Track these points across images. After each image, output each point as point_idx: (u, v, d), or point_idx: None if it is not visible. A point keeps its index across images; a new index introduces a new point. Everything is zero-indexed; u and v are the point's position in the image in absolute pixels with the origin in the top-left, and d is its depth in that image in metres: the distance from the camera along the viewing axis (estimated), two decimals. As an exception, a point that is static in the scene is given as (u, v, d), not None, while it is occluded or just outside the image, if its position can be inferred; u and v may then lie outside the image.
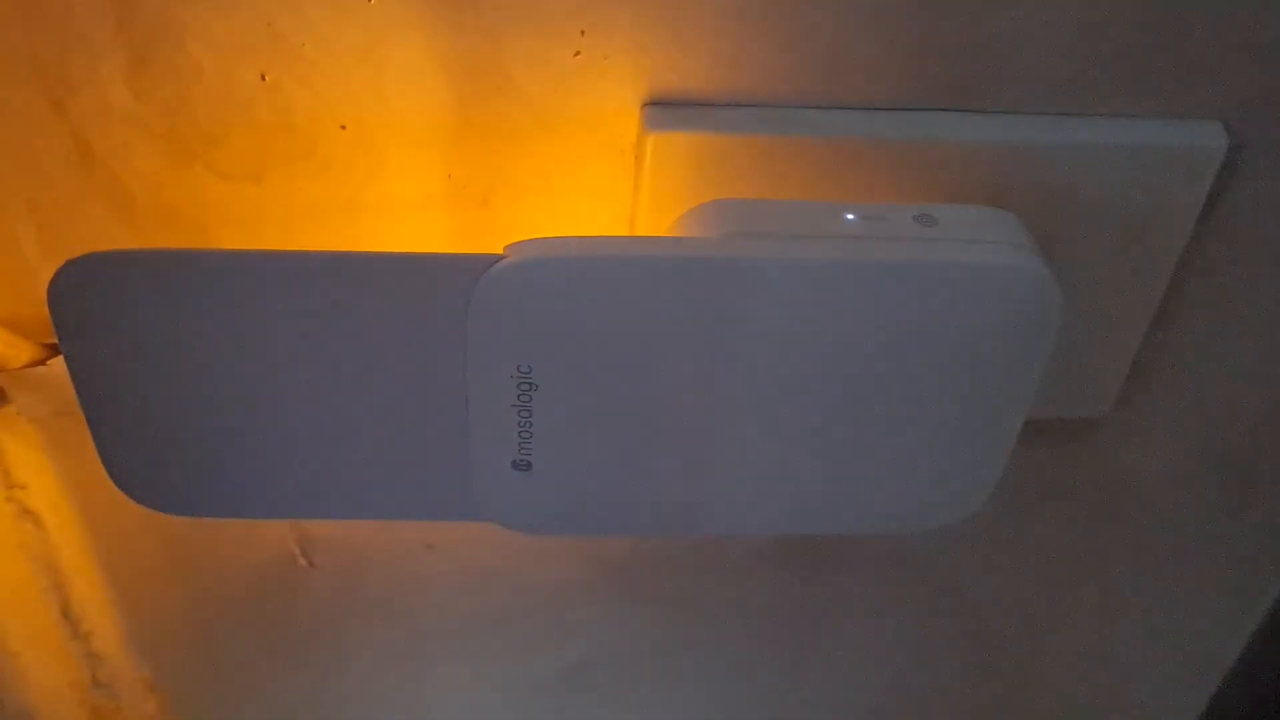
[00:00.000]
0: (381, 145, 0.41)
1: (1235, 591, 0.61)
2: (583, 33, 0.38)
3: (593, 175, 0.42)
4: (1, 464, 0.48)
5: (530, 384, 0.38)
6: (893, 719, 0.69)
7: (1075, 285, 0.45)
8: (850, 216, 0.37)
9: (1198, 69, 0.41)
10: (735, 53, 0.39)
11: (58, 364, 0.44)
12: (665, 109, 0.40)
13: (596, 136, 0.41)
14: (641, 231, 0.42)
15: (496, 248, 0.43)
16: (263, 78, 0.39)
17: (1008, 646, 0.65)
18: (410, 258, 0.36)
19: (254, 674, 0.63)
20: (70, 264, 0.35)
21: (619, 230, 0.43)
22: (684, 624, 0.62)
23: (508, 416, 0.38)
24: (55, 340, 0.43)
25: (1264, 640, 0.62)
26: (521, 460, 0.40)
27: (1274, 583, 0.59)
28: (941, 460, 0.41)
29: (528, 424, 0.39)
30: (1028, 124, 0.41)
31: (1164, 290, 0.45)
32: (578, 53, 0.39)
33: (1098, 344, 0.47)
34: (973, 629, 0.63)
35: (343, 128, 0.40)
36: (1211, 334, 0.48)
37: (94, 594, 0.55)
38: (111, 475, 0.40)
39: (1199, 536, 0.58)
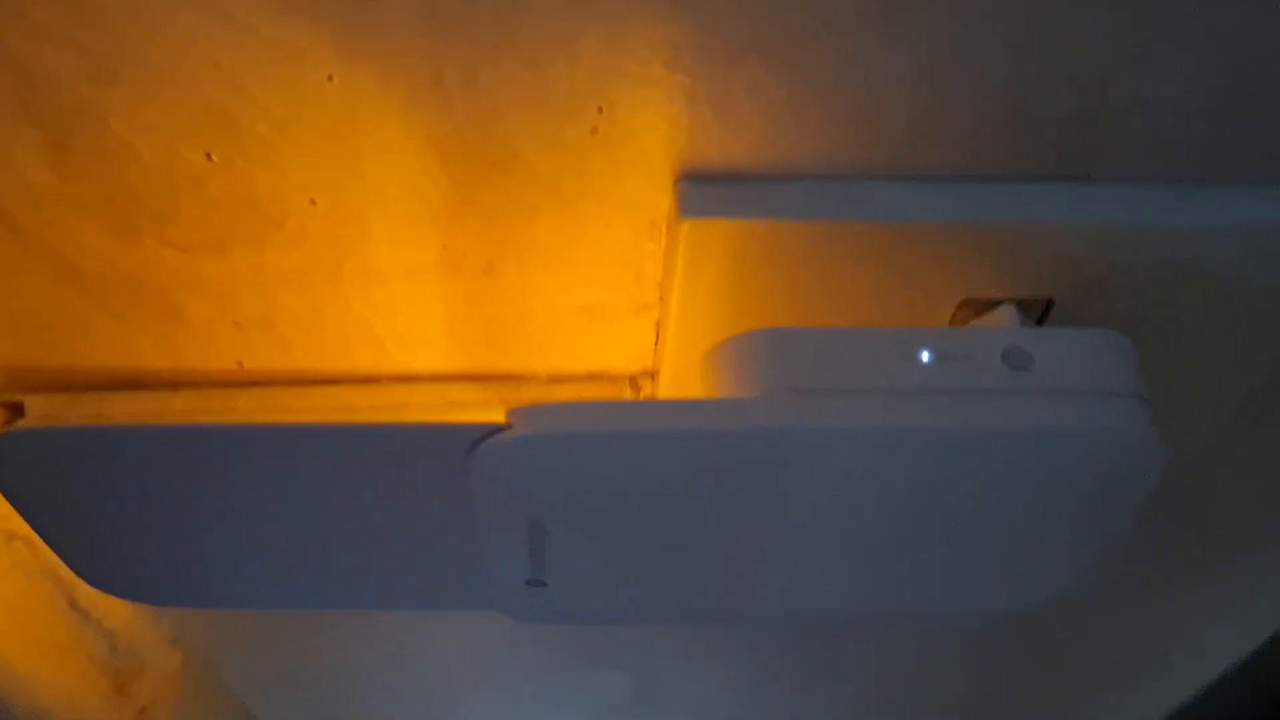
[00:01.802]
0: (363, 219, 0.34)
1: None
2: (600, 110, 0.31)
3: (617, 246, 0.35)
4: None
5: (541, 528, 0.33)
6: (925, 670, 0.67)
7: (1178, 349, 0.38)
8: (925, 356, 0.30)
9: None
10: (791, 127, 0.31)
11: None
12: (703, 186, 0.33)
13: (620, 210, 0.34)
14: (675, 308, 0.36)
15: (507, 312, 0.37)
16: (209, 156, 0.32)
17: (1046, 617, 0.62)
18: (403, 429, 0.30)
19: (271, 620, 0.61)
20: (3, 441, 0.30)
21: (648, 296, 0.37)
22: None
23: (519, 551, 0.34)
24: (15, 399, 0.39)
25: None
26: (535, 580, 0.35)
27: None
28: (1018, 569, 0.36)
29: (540, 555, 0.34)
30: (1145, 198, 0.33)
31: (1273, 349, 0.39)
32: (595, 130, 0.31)
33: (1200, 395, 0.41)
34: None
35: (313, 202, 0.33)
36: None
37: (101, 583, 0.53)
38: (82, 578, 0.36)
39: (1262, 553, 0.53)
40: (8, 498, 0.32)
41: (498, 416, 0.40)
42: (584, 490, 0.31)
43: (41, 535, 0.34)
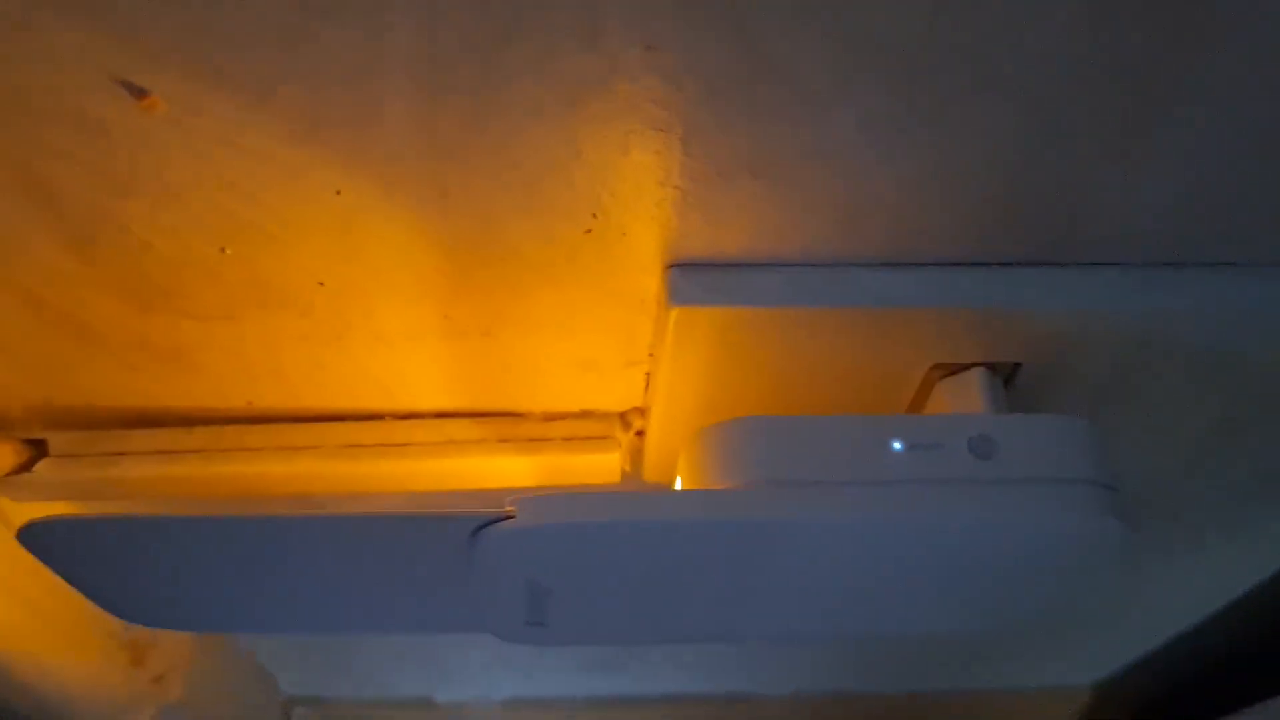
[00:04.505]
0: (367, 295, 0.36)
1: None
2: (594, 215, 0.32)
3: (609, 317, 0.37)
4: (3, 518, 0.47)
5: (541, 586, 0.35)
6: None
7: (1133, 412, 0.41)
8: (898, 445, 0.33)
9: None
10: (779, 226, 0.33)
11: (43, 467, 0.42)
12: (692, 275, 0.35)
13: (613, 291, 0.36)
14: (664, 372, 0.38)
15: (500, 375, 0.39)
16: (223, 250, 0.34)
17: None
18: (407, 519, 0.33)
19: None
20: (28, 527, 0.32)
21: (638, 353, 0.39)
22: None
23: (520, 602, 0.36)
24: (40, 437, 0.41)
25: None
26: (534, 621, 0.38)
27: None
28: (987, 613, 0.39)
29: (540, 605, 0.37)
30: (1110, 281, 0.35)
31: (1221, 405, 0.41)
32: (589, 230, 0.33)
33: (1151, 445, 0.44)
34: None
35: (321, 284, 0.35)
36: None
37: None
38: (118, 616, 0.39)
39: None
40: (49, 566, 0.34)
41: (494, 452, 0.43)
42: (581, 566, 0.34)
43: (80, 591, 0.36)
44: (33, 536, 0.33)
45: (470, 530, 0.32)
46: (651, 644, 0.44)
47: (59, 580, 0.53)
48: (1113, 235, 0.34)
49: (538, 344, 0.38)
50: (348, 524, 0.32)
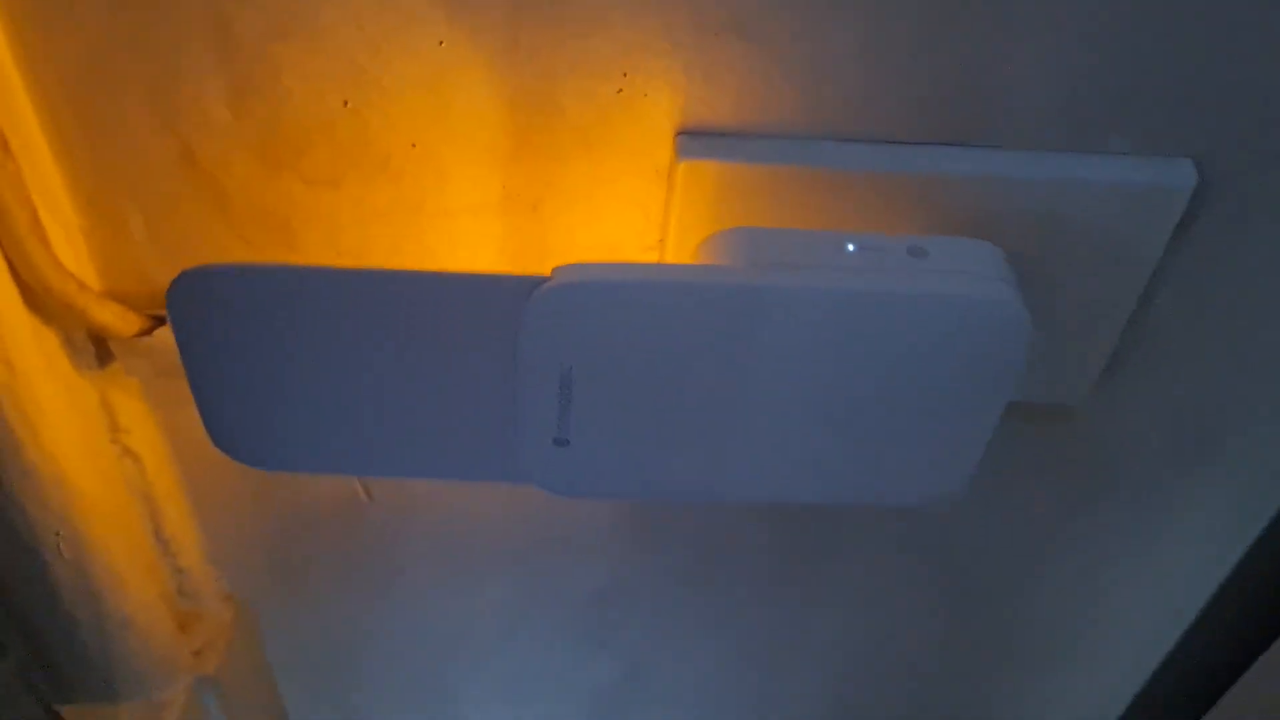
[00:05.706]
0: (447, 160, 0.47)
1: (1206, 540, 0.67)
2: (625, 74, 0.44)
3: (630, 190, 0.48)
4: (109, 412, 0.55)
5: (571, 379, 0.44)
6: (885, 648, 0.77)
7: (1055, 296, 0.50)
8: (851, 247, 0.43)
9: (1173, 110, 0.45)
10: (761, 92, 0.44)
11: (161, 333, 0.51)
12: (696, 138, 0.46)
13: (634, 158, 0.47)
14: (671, 244, 0.48)
15: (544, 249, 0.49)
16: (345, 103, 0.45)
17: (990, 590, 0.72)
18: (471, 277, 0.42)
19: (318, 586, 0.71)
20: (184, 275, 0.41)
21: (651, 238, 0.49)
22: (696, 559, 0.70)
23: (550, 404, 0.45)
24: (160, 313, 0.50)
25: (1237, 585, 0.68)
26: (561, 438, 0.46)
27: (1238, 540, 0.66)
28: (924, 449, 0.47)
29: (567, 410, 0.45)
30: (1018, 159, 0.46)
31: (1136, 301, 0.51)
32: (620, 90, 0.44)
33: (1075, 344, 0.53)
34: (957, 575, 0.70)
35: (414, 145, 0.46)
36: (1181, 335, 0.54)
37: (182, 519, 0.63)
38: (211, 436, 0.47)
39: (1165, 501, 0.64)
40: (174, 327, 0.43)
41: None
42: (607, 336, 0.42)
43: (188, 362, 0.44)
44: (183, 290, 0.42)
45: (526, 291, 0.41)
46: (656, 496, 0.51)
47: (138, 506, 0.60)
48: (1022, 119, 0.45)
49: (573, 222, 0.49)
50: (419, 280, 0.42)
